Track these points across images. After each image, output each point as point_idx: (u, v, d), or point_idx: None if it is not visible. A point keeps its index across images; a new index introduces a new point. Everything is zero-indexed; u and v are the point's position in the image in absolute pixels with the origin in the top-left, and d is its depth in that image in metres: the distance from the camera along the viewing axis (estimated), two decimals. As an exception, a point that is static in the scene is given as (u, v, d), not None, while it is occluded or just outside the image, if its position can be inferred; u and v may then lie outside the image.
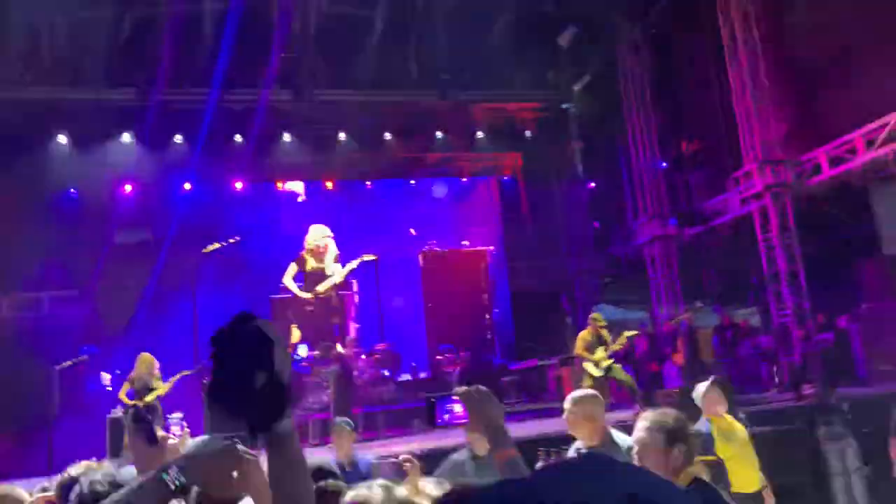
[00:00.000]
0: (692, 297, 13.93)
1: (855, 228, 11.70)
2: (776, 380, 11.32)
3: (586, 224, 16.96)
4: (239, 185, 15.14)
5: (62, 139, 13.59)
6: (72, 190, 14.14)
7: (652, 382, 11.41)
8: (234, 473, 1.35)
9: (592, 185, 17.02)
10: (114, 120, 13.63)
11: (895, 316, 10.09)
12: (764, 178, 11.99)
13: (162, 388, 8.84)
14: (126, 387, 8.94)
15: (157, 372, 8.97)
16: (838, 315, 11.26)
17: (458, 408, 1.73)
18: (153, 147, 14.06)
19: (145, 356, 9.09)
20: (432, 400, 1.73)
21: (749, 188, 12.37)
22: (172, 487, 1.25)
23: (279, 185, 15.45)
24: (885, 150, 10.43)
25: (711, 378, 5.32)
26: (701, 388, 5.17)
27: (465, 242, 15.27)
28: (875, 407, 7.93)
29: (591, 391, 4.27)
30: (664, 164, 14.95)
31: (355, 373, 10.88)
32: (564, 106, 16.71)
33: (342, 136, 15.23)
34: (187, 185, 14.67)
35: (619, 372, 9.73)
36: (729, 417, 5.12)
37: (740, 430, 5.08)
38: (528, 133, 16.42)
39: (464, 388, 1.67)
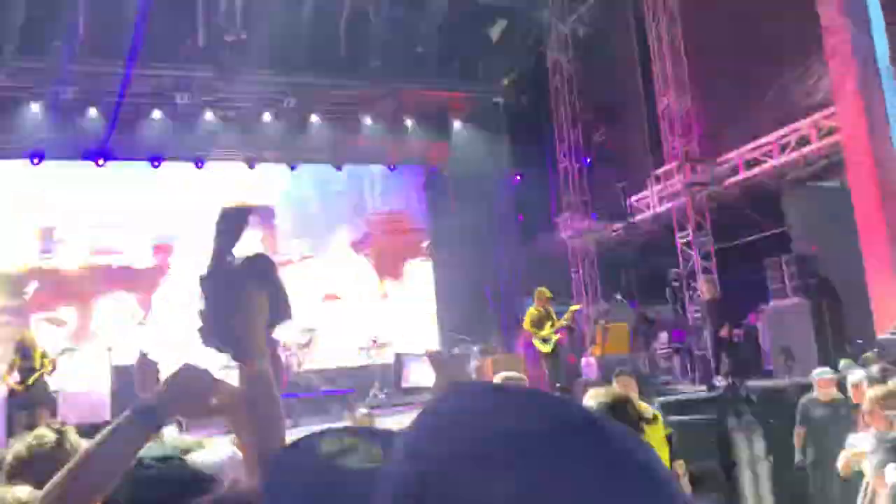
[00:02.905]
0: (612, 292, 14.25)
1: (766, 229, 12.18)
2: (689, 372, 11.70)
3: (511, 216, 17.08)
4: (156, 164, 14.55)
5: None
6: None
7: (571, 373, 11.59)
8: (212, 398, 1.30)
9: (518, 177, 17.14)
10: (25, 88, 12.90)
11: (799, 312, 10.53)
12: (683, 176, 12.34)
13: (47, 366, 8.27)
14: (4, 373, 8.24)
15: (40, 348, 8.32)
16: (748, 311, 11.71)
17: (424, 370, 1.71)
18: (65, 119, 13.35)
19: (26, 334, 8.41)
20: (401, 359, 1.70)
21: (669, 186, 12.72)
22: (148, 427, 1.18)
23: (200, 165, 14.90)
24: (796, 155, 10.89)
25: (618, 369, 5.50)
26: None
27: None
28: (781, 398, 8.29)
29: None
30: (588, 161, 15.20)
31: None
32: (495, 100, 16.79)
33: (267, 117, 14.82)
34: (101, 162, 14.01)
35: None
36: (643, 404, 5.23)
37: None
38: (457, 124, 16.40)
39: (434, 350, 1.62)
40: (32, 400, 8.00)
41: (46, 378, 8.19)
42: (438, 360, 1.63)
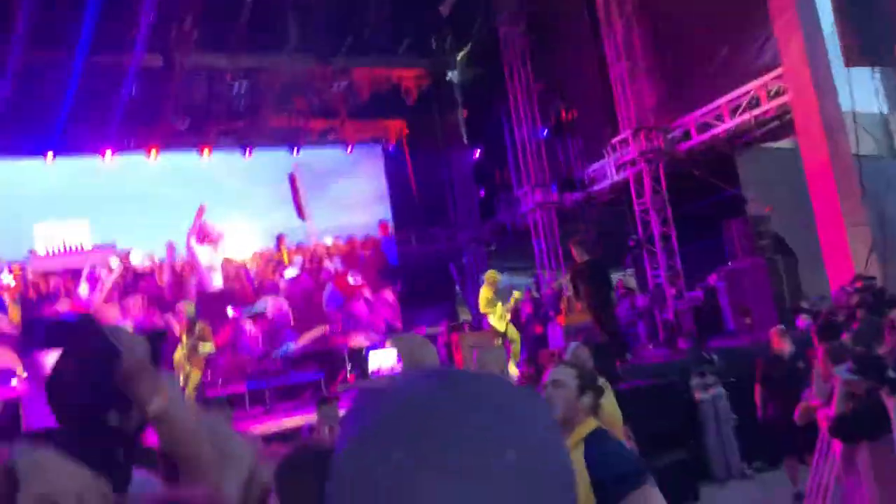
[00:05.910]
0: (573, 261, 14.37)
1: (722, 191, 12.38)
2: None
3: (472, 192, 17.12)
4: (109, 155, 14.21)
5: None
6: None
7: (537, 343, 11.73)
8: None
9: (478, 152, 17.16)
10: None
11: (756, 272, 10.77)
12: (638, 144, 12.47)
13: None
14: None
15: None
16: (708, 273, 11.95)
17: (390, 358, 1.73)
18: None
19: None
20: (363, 350, 1.73)
21: (624, 155, 12.84)
22: None
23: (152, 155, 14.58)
24: (747, 116, 11.06)
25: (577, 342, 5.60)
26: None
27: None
28: (741, 357, 8.51)
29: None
30: (545, 132, 15.26)
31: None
32: (449, 75, 16.73)
33: (218, 104, 14.56)
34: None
35: (512, 329, 10.32)
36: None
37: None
38: (411, 101, 16.30)
39: (399, 335, 1.64)
40: None
41: None
42: (401, 343, 1.64)
